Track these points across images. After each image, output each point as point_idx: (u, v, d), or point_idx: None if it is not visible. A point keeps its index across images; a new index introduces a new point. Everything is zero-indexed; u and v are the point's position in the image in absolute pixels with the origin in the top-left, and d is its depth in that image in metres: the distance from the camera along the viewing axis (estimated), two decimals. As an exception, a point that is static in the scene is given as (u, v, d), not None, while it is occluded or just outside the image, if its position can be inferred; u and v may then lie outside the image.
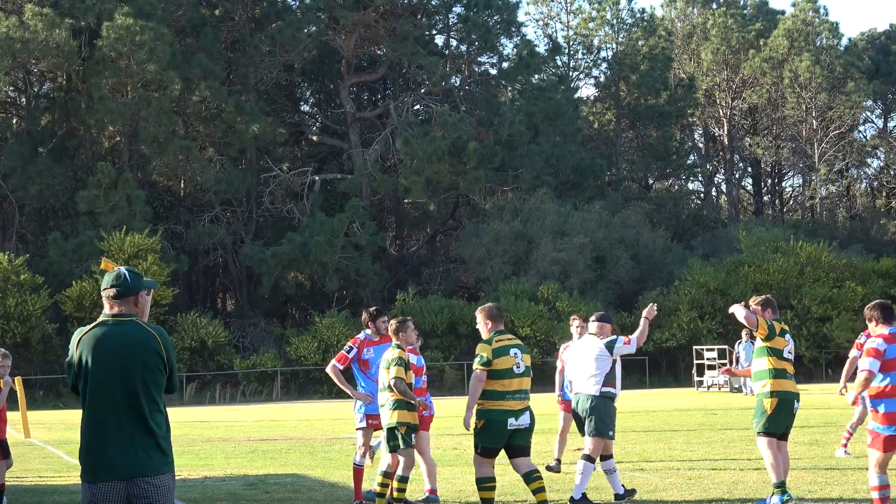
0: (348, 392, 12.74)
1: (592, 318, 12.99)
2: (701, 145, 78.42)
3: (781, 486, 11.64)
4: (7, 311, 47.48)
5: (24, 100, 58.74)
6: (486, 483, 11.35)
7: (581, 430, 12.67)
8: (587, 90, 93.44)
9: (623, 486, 12.82)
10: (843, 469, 14.89)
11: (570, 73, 71.27)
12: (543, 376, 52.12)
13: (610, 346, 12.41)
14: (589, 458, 12.35)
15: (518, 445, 11.24)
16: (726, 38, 71.62)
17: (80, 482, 6.53)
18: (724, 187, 77.60)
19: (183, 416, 34.83)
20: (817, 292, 53.83)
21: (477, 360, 11.07)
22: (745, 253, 55.61)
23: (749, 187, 79.75)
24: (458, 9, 64.46)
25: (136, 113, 54.06)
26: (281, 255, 54.19)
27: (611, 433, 12.50)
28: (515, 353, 11.16)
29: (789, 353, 11.92)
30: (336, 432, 25.06)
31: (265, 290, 56.38)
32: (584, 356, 12.60)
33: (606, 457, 12.72)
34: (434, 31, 66.14)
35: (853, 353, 14.17)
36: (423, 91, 62.14)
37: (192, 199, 59.67)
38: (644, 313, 12.20)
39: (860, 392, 10.68)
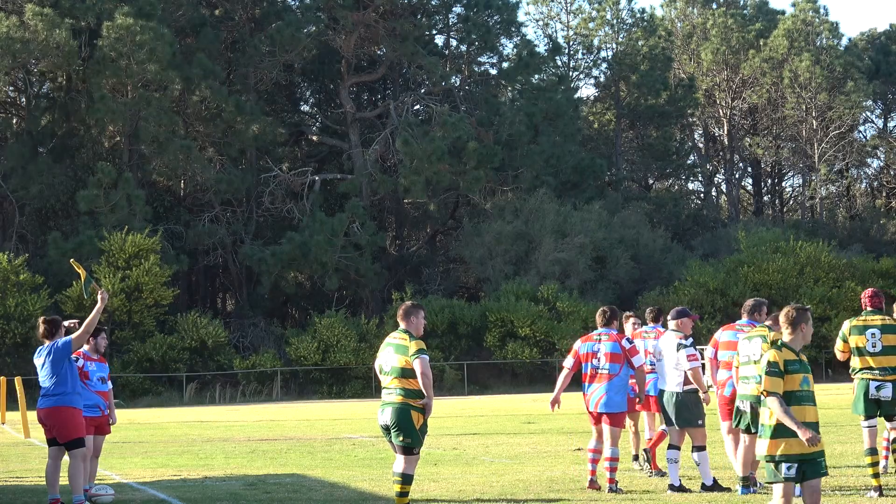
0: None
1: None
2: (701, 145, 78.38)
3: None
4: (7, 311, 47.47)
5: (24, 100, 58.72)
6: (393, 477, 11.55)
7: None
8: (587, 90, 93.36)
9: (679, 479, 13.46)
10: (842, 467, 14.89)
11: (570, 73, 71.24)
12: (543, 376, 52.27)
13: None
14: (700, 448, 13.41)
15: (393, 443, 11.35)
16: (726, 38, 71.58)
17: None
18: (724, 187, 77.59)
19: (183, 416, 34.85)
20: (817, 292, 53.82)
21: None
22: (745, 253, 55.59)
23: (749, 187, 79.73)
24: (458, 9, 64.43)
25: (136, 113, 54.06)
26: (281, 254, 54.17)
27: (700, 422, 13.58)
28: (386, 352, 11.49)
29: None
30: (336, 432, 25.05)
31: (265, 289, 56.37)
32: None
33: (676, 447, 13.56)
34: (434, 31, 66.11)
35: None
36: (423, 91, 62.11)
37: (192, 199, 59.65)
38: None
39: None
